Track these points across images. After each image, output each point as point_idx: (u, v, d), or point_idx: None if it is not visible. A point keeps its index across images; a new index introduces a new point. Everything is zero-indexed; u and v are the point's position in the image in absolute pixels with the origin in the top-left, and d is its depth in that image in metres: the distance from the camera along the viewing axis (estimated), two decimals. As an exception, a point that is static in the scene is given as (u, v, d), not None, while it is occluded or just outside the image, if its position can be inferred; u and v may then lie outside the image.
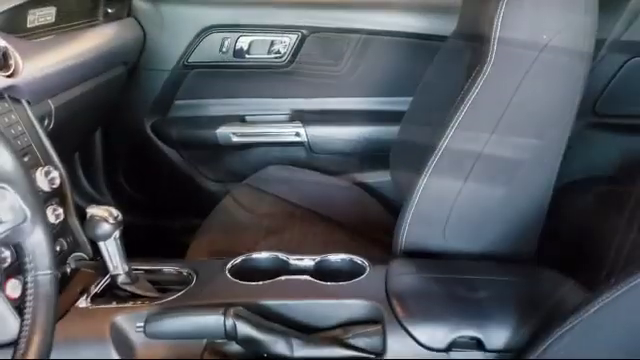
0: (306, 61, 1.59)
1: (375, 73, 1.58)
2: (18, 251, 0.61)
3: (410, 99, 1.34)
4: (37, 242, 0.60)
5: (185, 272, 0.91)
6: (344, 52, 1.58)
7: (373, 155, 1.57)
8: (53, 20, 1.16)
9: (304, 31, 1.56)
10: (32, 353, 0.56)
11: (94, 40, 1.29)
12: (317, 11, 1.56)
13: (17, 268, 0.78)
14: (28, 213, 0.59)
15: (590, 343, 0.63)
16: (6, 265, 0.78)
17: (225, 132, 1.61)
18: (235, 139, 1.62)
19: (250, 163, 1.66)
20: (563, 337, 0.63)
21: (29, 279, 0.60)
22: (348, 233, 1.27)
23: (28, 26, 1.08)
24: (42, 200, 0.63)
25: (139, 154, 1.69)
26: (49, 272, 0.60)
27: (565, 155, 1.52)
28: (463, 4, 1.17)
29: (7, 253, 0.79)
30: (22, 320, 0.59)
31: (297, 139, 1.61)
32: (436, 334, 0.77)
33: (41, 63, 1.04)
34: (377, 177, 1.58)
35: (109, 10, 1.41)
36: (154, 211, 1.71)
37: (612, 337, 0.62)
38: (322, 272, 0.90)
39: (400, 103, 1.47)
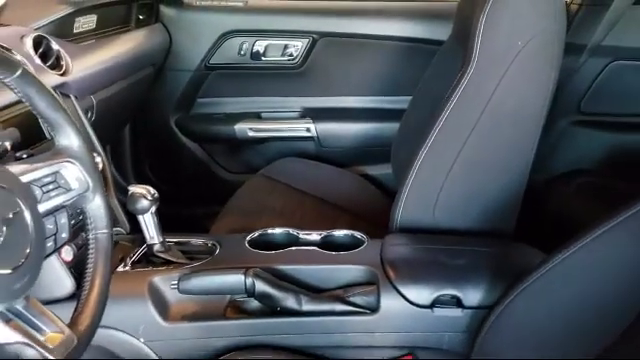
0: (316, 63, 1.70)
1: (379, 74, 1.69)
2: (81, 214, 0.74)
3: (410, 98, 1.44)
4: (97, 207, 0.73)
5: (210, 243, 1.03)
6: (351, 55, 1.69)
7: (376, 149, 1.67)
8: (94, 26, 1.30)
9: (315, 36, 1.67)
10: (95, 294, 0.70)
11: (128, 44, 1.43)
12: (327, 18, 1.67)
13: (70, 235, 0.91)
14: (90, 183, 0.73)
15: (545, 296, 0.74)
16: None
17: (242, 127, 1.73)
18: (251, 134, 1.74)
19: (265, 156, 1.77)
20: (524, 292, 0.75)
21: (91, 236, 0.73)
22: (352, 217, 1.38)
23: (74, 32, 1.22)
24: (100, 175, 0.76)
25: (164, 147, 1.81)
26: (106, 231, 0.74)
27: (553, 150, 1.64)
28: (456, 13, 1.28)
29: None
30: (85, 268, 0.72)
31: (308, 134, 1.72)
32: (422, 293, 0.89)
33: (85, 64, 1.17)
34: (380, 169, 1.68)
35: (140, 17, 1.54)
36: (177, 200, 1.81)
37: (563, 291, 0.73)
38: (327, 244, 1.02)
39: (401, 102, 1.57)
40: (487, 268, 0.90)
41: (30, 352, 0.59)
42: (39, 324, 0.61)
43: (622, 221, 0.67)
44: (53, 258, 0.87)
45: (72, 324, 0.65)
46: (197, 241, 1.05)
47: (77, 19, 1.21)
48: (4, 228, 0.57)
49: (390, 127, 1.59)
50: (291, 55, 1.69)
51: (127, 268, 0.97)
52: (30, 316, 0.60)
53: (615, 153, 1.56)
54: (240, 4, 1.69)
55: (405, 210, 1.05)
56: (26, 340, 0.58)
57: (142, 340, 0.91)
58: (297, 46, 1.68)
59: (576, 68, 1.49)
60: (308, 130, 1.72)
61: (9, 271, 0.56)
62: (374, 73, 1.69)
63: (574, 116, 1.56)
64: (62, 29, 1.16)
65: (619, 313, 0.68)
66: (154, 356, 0.92)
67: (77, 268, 0.89)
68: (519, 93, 0.98)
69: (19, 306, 0.60)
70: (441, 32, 1.46)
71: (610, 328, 0.69)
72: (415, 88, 1.41)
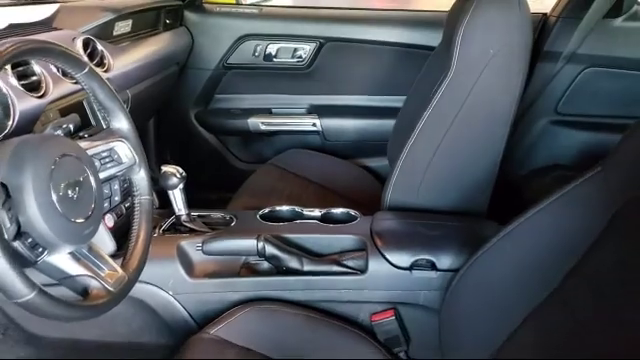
0: (322, 65, 1.85)
1: (378, 75, 1.84)
2: (129, 183, 0.91)
3: (405, 97, 1.59)
4: (141, 178, 0.91)
5: (228, 217, 1.20)
6: (353, 58, 1.84)
7: (375, 143, 1.83)
8: (129, 30, 1.47)
9: (321, 40, 1.83)
10: (139, 245, 0.87)
11: (156, 45, 1.60)
12: (332, 25, 1.83)
13: (121, 198, 1.07)
14: (137, 159, 0.90)
15: (499, 258, 0.89)
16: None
17: (255, 121, 1.89)
18: (263, 127, 1.89)
19: (274, 147, 1.93)
20: (483, 255, 0.90)
21: (136, 201, 0.90)
22: (350, 202, 1.53)
23: (114, 34, 1.39)
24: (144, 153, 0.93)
25: (184, 138, 1.97)
26: (148, 197, 0.91)
27: (533, 147, 1.79)
28: (445, 23, 1.43)
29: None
30: (131, 225, 0.89)
31: (313, 128, 1.88)
32: (403, 257, 1.05)
33: (123, 62, 1.35)
34: (377, 162, 1.83)
35: (167, 21, 1.71)
36: (194, 185, 1.97)
37: (513, 254, 0.88)
38: (326, 219, 1.18)
39: (397, 101, 1.70)
40: (457, 238, 1.06)
41: (94, 283, 0.76)
42: (99, 264, 0.78)
43: (555, 200, 0.83)
44: (99, 223, 1.04)
45: (123, 266, 0.83)
46: (216, 214, 1.22)
47: (116, 24, 1.38)
48: (77, 188, 0.74)
49: (387, 123, 1.73)
50: (300, 57, 1.85)
51: (159, 234, 1.14)
52: (93, 257, 0.78)
53: (588, 150, 1.70)
54: (255, 11, 1.86)
55: (393, 192, 1.21)
56: (91, 274, 0.76)
57: (171, 293, 1.08)
58: (305, 49, 1.84)
59: (554, 73, 1.64)
60: (314, 125, 1.88)
61: (82, 220, 0.74)
62: (374, 74, 1.85)
63: (552, 116, 1.70)
64: (104, 32, 1.33)
65: (552, 272, 0.84)
66: (180, 307, 1.09)
67: (116, 233, 1.05)
68: (490, 95, 1.13)
69: (85, 249, 0.77)
70: (433, 39, 1.61)
71: (547, 284, 0.85)
72: (409, 88, 1.56)
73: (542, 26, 1.68)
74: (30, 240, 0.68)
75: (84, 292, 0.76)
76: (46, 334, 1.15)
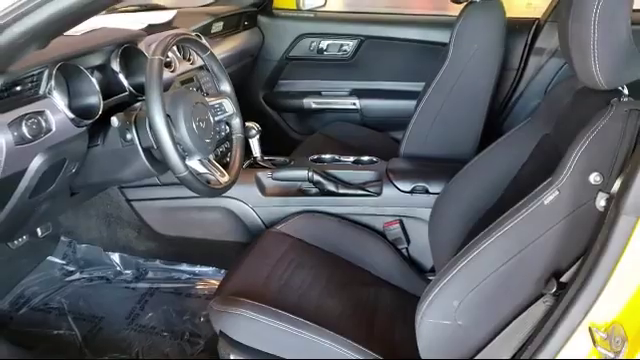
0: (362, 57, 2.25)
1: (405, 66, 2.21)
2: (228, 126, 1.39)
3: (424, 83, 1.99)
4: (237, 122, 1.38)
5: (288, 160, 1.66)
6: (387, 52, 2.22)
7: (401, 119, 2.11)
8: (221, 29, 1.95)
9: (362, 38, 2.23)
10: (236, 163, 1.34)
11: (238, 41, 2.07)
12: (371, 26, 2.23)
13: (225, 135, 1.53)
14: (234, 110, 1.37)
15: (464, 182, 1.28)
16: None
17: (308, 101, 2.30)
18: (314, 106, 2.30)
19: (323, 122, 2.33)
20: (454, 181, 1.30)
21: (234, 137, 1.37)
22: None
23: (211, 32, 1.87)
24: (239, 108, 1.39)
25: (255, 115, 2.37)
26: (241, 135, 1.38)
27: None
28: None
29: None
30: (231, 151, 1.36)
31: (354, 107, 2.27)
32: (406, 184, 1.48)
33: (217, 51, 1.80)
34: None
35: (246, 23, 2.17)
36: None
37: (473, 178, 1.28)
38: (356, 162, 1.63)
39: (420, 86, 2.01)
40: (445, 172, 1.47)
41: (212, 178, 1.23)
42: (214, 169, 1.25)
43: (503, 140, 1.23)
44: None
45: (228, 172, 1.29)
46: (280, 158, 1.68)
47: (213, 24, 1.87)
48: (204, 122, 1.21)
49: (412, 104, 2.02)
50: (345, 51, 2.25)
51: (242, 169, 1.60)
52: (210, 165, 1.25)
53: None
54: (312, 15, 2.29)
55: (406, 146, 1.65)
56: (211, 173, 1.23)
57: (250, 205, 1.55)
58: (349, 45, 2.24)
59: (542, 65, 2.00)
60: (354, 104, 2.27)
61: (208, 140, 1.21)
62: (402, 65, 2.22)
63: (542, 98, 2.05)
64: (205, 30, 1.82)
65: (500, 185, 1.23)
66: (255, 215, 1.56)
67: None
68: (475, 77, 1.54)
69: (206, 160, 1.24)
70: (447, 37, 1.99)
71: (497, 193, 1.23)
72: (428, 76, 1.94)
73: (535, 28, 2.04)
74: (181, 147, 1.15)
75: (207, 182, 1.23)
76: (166, 233, 1.65)
